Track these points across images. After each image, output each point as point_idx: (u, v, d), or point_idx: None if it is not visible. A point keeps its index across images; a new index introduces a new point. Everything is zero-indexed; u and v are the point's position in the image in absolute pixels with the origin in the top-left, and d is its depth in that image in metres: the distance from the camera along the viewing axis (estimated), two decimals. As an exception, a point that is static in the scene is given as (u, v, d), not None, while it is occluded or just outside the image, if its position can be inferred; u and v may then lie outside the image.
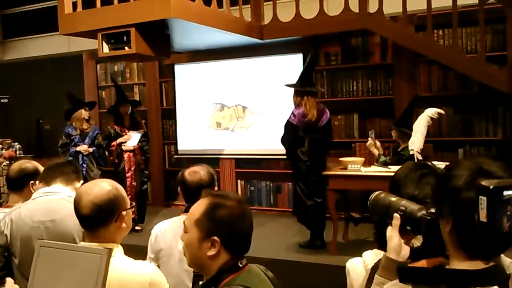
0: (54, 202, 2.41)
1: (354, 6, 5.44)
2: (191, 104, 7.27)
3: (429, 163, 1.66)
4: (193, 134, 7.28)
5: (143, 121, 6.55)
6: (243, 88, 6.87)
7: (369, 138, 5.13)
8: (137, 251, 2.18)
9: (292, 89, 5.18)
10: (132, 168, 6.01)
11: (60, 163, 2.60)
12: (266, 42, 6.12)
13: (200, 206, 1.59)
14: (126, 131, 6.03)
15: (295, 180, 5.18)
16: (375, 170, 4.75)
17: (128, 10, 4.83)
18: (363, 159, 5.08)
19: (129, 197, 5.97)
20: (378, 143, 5.14)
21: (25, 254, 2.27)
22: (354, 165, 4.81)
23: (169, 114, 7.48)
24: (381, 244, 1.65)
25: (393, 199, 1.40)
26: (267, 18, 6.03)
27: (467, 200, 1.11)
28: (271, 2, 5.91)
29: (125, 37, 4.87)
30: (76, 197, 1.90)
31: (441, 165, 1.99)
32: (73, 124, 6.16)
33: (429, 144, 5.01)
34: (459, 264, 1.15)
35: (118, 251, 1.88)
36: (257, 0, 6.01)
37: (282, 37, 6.03)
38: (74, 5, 5.18)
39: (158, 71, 7.48)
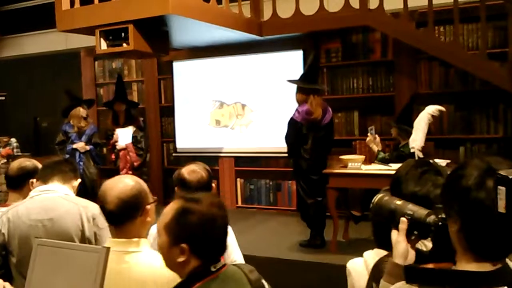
0: (51, 200, 2.41)
1: (355, 2, 5.41)
2: (190, 101, 7.23)
3: (430, 161, 1.65)
4: (192, 132, 7.24)
5: (141, 118, 6.50)
6: (242, 85, 6.84)
7: (369, 134, 5.11)
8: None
9: (292, 86, 5.14)
10: (127, 166, 5.97)
11: (57, 161, 2.60)
12: (265, 38, 6.09)
13: (170, 210, 1.55)
14: (116, 130, 6.01)
15: (297, 179, 5.15)
16: (375, 168, 4.73)
17: (126, 7, 4.80)
18: (364, 157, 5.05)
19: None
20: (378, 139, 5.10)
21: (23, 253, 2.27)
22: (355, 163, 4.78)
23: (168, 111, 7.45)
24: (380, 243, 1.64)
25: (399, 202, 1.38)
26: (267, 15, 5.99)
27: (477, 200, 1.10)
28: (271, -2, 5.89)
29: (123, 34, 4.85)
30: (101, 193, 1.89)
31: (442, 162, 1.97)
32: (71, 121, 6.14)
33: (430, 142, 4.98)
34: (466, 265, 1.14)
35: (145, 245, 1.89)
36: (257, -4, 5.98)
37: (281, 33, 6.00)
38: (72, 2, 5.17)
39: (156, 68, 7.44)
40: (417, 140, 4.50)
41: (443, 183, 1.23)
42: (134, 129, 6.02)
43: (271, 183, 6.82)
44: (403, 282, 1.22)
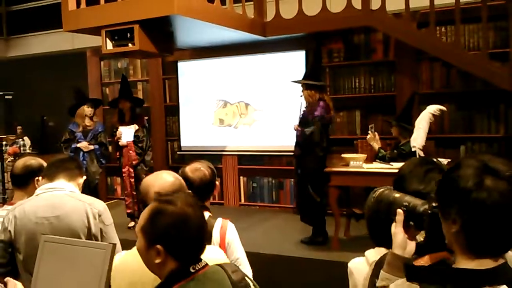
0: (57, 198, 2.41)
1: (357, 3, 5.43)
2: (194, 100, 7.29)
3: (434, 159, 1.66)
4: (196, 130, 7.30)
5: (146, 117, 6.55)
6: (246, 85, 6.89)
7: (369, 132, 5.15)
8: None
9: (295, 86, 5.20)
10: (129, 164, 6.02)
11: (63, 159, 2.60)
12: (269, 39, 6.12)
13: (145, 212, 1.55)
14: (119, 128, 6.07)
15: (305, 177, 5.08)
16: (377, 166, 4.77)
17: (131, 7, 4.84)
18: (365, 155, 5.09)
19: (125, 192, 6.06)
20: (377, 137, 5.15)
21: (29, 250, 2.27)
22: (356, 162, 4.82)
23: (172, 110, 7.51)
24: (378, 242, 1.66)
25: (397, 195, 1.40)
26: (270, 15, 6.03)
27: (479, 201, 1.10)
28: (274, -1, 5.93)
29: (128, 34, 4.88)
30: (142, 190, 1.93)
31: (443, 161, 2.00)
32: (76, 121, 6.21)
33: (431, 141, 5.02)
34: (467, 263, 1.15)
35: None
36: (260, -3, 6.02)
37: (284, 34, 6.03)
38: (78, 2, 5.19)
39: (161, 68, 7.50)
40: (418, 139, 4.53)
41: (439, 184, 1.23)
42: (137, 127, 6.06)
43: (273, 181, 6.87)
44: (404, 280, 1.23)
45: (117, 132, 6.02)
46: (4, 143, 7.55)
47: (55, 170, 2.50)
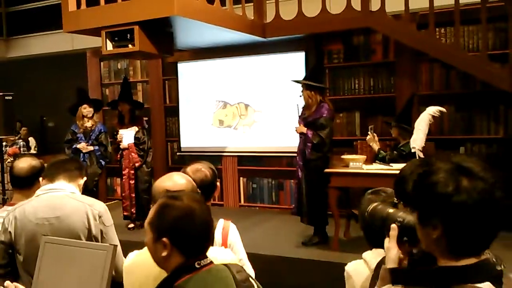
0: (58, 198, 2.40)
1: (356, 4, 5.45)
2: (194, 101, 7.30)
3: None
4: (196, 131, 7.31)
5: (145, 118, 6.55)
6: (245, 86, 6.90)
7: (369, 133, 5.16)
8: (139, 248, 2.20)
9: (295, 87, 5.20)
10: (130, 166, 6.02)
11: (63, 159, 2.59)
12: (268, 40, 6.14)
13: (154, 208, 1.61)
14: (119, 131, 6.07)
15: (310, 178, 5.07)
16: (376, 167, 4.78)
17: (131, 8, 4.84)
18: (365, 156, 5.10)
19: (123, 194, 6.05)
20: (376, 137, 5.16)
21: (30, 251, 2.26)
22: (356, 163, 4.83)
23: (172, 111, 7.52)
24: (375, 245, 1.66)
25: (391, 210, 1.41)
26: (270, 16, 6.04)
27: (460, 204, 1.11)
28: (274, 0, 5.93)
29: (128, 35, 4.88)
30: (156, 192, 1.93)
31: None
32: (77, 121, 6.21)
33: (430, 142, 5.02)
34: (449, 263, 1.16)
35: None
36: (260, -2, 6.04)
37: (284, 35, 6.04)
38: (78, 3, 5.20)
39: (161, 69, 7.51)
40: (417, 140, 4.54)
41: (414, 191, 1.22)
42: (137, 129, 6.06)
43: (273, 182, 6.88)
44: (389, 286, 1.25)
45: (118, 135, 6.03)
46: (4, 143, 7.55)
47: (55, 171, 2.49)
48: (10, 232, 2.36)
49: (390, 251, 1.33)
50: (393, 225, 1.35)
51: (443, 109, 4.69)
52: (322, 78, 5.75)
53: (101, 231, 2.41)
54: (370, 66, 6.20)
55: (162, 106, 7.58)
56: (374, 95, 6.18)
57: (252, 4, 6.00)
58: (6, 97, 5.43)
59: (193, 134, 7.34)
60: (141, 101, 7.19)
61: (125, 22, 4.85)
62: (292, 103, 5.35)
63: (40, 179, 2.59)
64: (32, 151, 8.41)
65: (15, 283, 1.86)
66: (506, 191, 1.19)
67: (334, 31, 5.90)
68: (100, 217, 2.41)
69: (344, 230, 5.19)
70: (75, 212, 2.38)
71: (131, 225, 6.02)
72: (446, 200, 1.12)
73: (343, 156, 5.09)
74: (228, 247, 2.36)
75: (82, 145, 6.08)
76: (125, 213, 6.08)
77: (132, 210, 6.00)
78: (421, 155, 4.47)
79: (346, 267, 1.78)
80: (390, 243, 1.34)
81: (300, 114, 5.22)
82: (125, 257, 1.97)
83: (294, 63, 6.44)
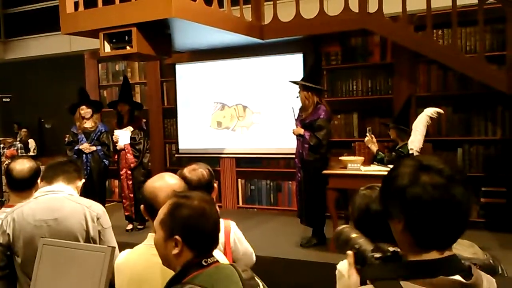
0: (56, 200, 2.40)
1: (354, 6, 5.46)
2: (192, 103, 7.30)
3: None
4: (194, 133, 7.31)
5: (144, 120, 6.55)
6: (243, 87, 6.90)
7: (367, 134, 5.17)
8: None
9: (293, 88, 5.21)
10: (126, 166, 6.01)
11: (61, 161, 2.58)
12: (266, 42, 6.14)
13: (164, 207, 1.64)
14: (115, 131, 6.06)
15: (308, 179, 5.10)
16: (375, 169, 4.79)
17: (129, 10, 4.85)
18: (363, 158, 5.10)
19: (123, 194, 6.04)
20: (374, 139, 5.18)
21: (28, 253, 2.26)
22: (354, 164, 4.84)
23: (170, 113, 7.52)
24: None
25: (354, 235, 1.40)
26: (268, 18, 6.05)
27: (414, 196, 1.14)
28: (272, 2, 5.93)
29: (126, 37, 4.89)
30: (149, 194, 1.96)
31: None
32: (76, 122, 6.21)
33: (428, 144, 5.03)
34: (415, 257, 1.18)
35: None
36: (258, 0, 6.04)
37: (282, 37, 6.05)
38: (76, 5, 5.20)
39: (159, 71, 7.51)
40: (415, 141, 4.54)
41: (381, 186, 1.26)
42: (133, 130, 6.04)
43: (271, 183, 6.89)
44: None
45: (114, 136, 6.02)
46: (1, 145, 7.55)
47: (53, 173, 2.49)
48: (8, 234, 2.35)
49: (351, 278, 1.34)
50: (349, 252, 1.36)
51: (441, 111, 4.70)
52: (320, 79, 5.76)
53: (99, 233, 2.41)
54: (368, 68, 6.21)
55: (160, 107, 7.58)
56: (372, 97, 6.19)
57: (250, 6, 6.01)
58: (4, 99, 5.44)
59: (191, 135, 7.34)
60: (139, 102, 7.17)
61: (123, 24, 4.85)
62: (290, 105, 5.36)
63: (38, 181, 2.60)
64: (31, 153, 8.42)
65: None
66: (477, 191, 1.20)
67: (332, 32, 5.90)
68: (98, 219, 2.41)
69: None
70: (73, 214, 2.38)
71: (129, 227, 6.02)
72: (402, 192, 1.16)
73: (341, 158, 5.10)
74: (233, 244, 2.45)
75: (84, 146, 6.07)
76: (126, 213, 6.07)
77: (133, 209, 5.99)
78: (419, 157, 4.47)
79: (338, 266, 1.78)
80: (349, 269, 1.35)
81: (296, 117, 5.24)
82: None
83: (292, 65, 6.45)
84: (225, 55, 6.81)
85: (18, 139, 8.56)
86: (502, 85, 4.99)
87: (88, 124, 6.17)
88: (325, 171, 4.91)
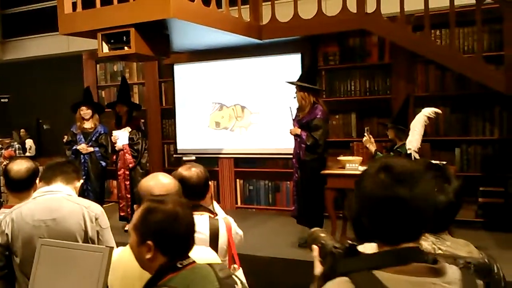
0: (55, 201, 2.41)
1: (352, 7, 5.46)
2: (190, 103, 7.30)
3: (439, 164, 1.71)
4: (192, 133, 7.31)
5: (142, 120, 6.55)
6: (242, 88, 6.91)
7: (365, 134, 5.18)
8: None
9: (291, 89, 5.22)
10: (124, 166, 6.01)
11: (60, 162, 2.59)
12: (264, 42, 6.14)
13: (138, 212, 1.65)
14: (113, 132, 6.06)
15: (306, 179, 5.10)
16: (372, 169, 4.78)
17: (127, 10, 4.84)
18: (361, 158, 5.12)
19: (119, 195, 6.04)
20: (372, 139, 5.18)
21: (26, 253, 2.28)
22: (352, 164, 4.85)
23: (169, 113, 7.52)
24: (359, 237, 1.68)
25: (322, 235, 1.48)
26: (266, 19, 6.05)
27: (360, 190, 1.23)
28: (270, 3, 5.94)
29: (124, 37, 4.88)
30: (144, 193, 1.97)
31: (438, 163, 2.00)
32: (76, 122, 6.22)
33: (426, 144, 5.04)
34: (383, 248, 1.24)
35: None
36: (256, 1, 6.04)
37: (280, 37, 6.05)
38: (74, 5, 5.19)
39: (157, 71, 7.52)
40: (413, 141, 4.54)
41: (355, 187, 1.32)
42: (131, 130, 6.04)
43: (270, 184, 6.89)
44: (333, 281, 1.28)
45: (112, 137, 6.02)
46: (-1, 146, 7.54)
47: (52, 174, 2.49)
48: (7, 234, 2.37)
49: (316, 269, 1.42)
50: (314, 246, 1.44)
51: (439, 111, 4.69)
52: (316, 79, 5.76)
53: (98, 233, 2.42)
54: (366, 68, 6.21)
55: (158, 108, 7.58)
56: (370, 97, 6.20)
57: (248, 6, 6.01)
58: (2, 100, 5.42)
59: (190, 136, 7.34)
60: (137, 103, 7.17)
61: (121, 24, 4.85)
62: (289, 105, 5.36)
63: (37, 181, 2.61)
64: (28, 153, 8.40)
65: None
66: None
67: (330, 33, 5.92)
68: (96, 219, 2.43)
69: (340, 232, 5.20)
70: (71, 214, 2.39)
71: (127, 227, 6.02)
72: (356, 187, 1.27)
73: (339, 158, 5.11)
74: (234, 236, 2.54)
75: (82, 146, 6.07)
76: (121, 214, 6.08)
77: (129, 210, 6.00)
78: (417, 156, 4.48)
79: None
80: (315, 262, 1.43)
81: (293, 116, 5.24)
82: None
83: (290, 65, 6.45)
84: (223, 56, 6.81)
85: (19, 140, 8.55)
86: (500, 85, 5.00)
87: (87, 125, 6.17)
88: (323, 171, 4.92)
